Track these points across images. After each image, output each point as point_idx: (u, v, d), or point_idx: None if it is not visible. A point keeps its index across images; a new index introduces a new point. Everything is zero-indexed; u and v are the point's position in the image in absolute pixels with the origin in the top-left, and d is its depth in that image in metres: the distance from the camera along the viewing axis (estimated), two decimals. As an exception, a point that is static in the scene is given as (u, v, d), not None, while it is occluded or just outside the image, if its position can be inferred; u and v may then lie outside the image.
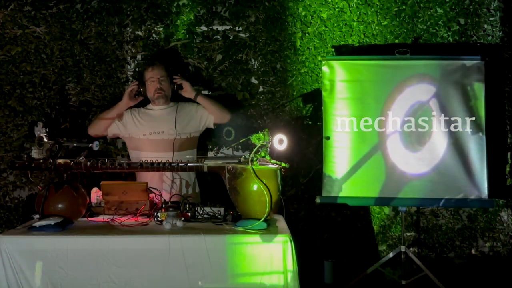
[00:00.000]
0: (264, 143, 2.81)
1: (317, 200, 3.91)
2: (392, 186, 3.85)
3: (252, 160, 2.77)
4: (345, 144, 3.91)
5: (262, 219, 2.69)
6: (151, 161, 2.90)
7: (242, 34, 4.28)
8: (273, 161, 2.85)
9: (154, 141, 3.54)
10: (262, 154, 2.81)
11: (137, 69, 4.23)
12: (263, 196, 2.71)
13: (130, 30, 4.24)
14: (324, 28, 4.26)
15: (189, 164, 2.90)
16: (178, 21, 4.25)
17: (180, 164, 2.88)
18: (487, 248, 4.28)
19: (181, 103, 3.69)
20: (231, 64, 4.27)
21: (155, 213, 2.89)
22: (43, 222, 2.63)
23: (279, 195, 2.82)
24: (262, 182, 2.71)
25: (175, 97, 3.70)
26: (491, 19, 4.27)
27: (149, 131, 3.57)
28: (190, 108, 3.69)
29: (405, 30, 4.26)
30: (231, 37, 4.28)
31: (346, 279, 4.02)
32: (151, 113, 3.67)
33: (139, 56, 4.25)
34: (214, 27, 4.27)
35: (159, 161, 2.90)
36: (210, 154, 4.21)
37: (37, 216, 2.76)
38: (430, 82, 3.88)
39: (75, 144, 3.14)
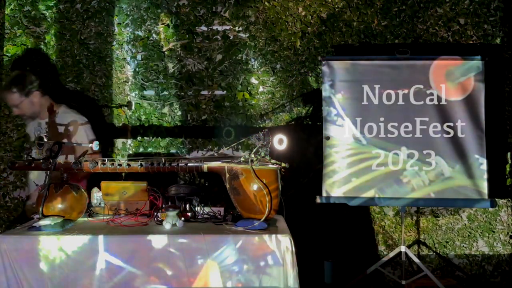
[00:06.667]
0: (264, 143, 2.80)
1: (317, 200, 3.91)
2: (392, 186, 3.86)
3: (252, 160, 2.76)
4: (345, 144, 3.91)
5: (262, 219, 2.68)
6: (151, 161, 2.89)
7: (242, 34, 4.28)
8: (273, 161, 2.84)
9: None
10: (262, 154, 2.81)
11: (136, 69, 4.23)
12: (263, 196, 2.71)
13: (130, 30, 4.24)
14: (324, 28, 4.26)
15: (189, 164, 2.89)
16: (178, 21, 4.25)
17: (180, 164, 2.88)
18: (487, 248, 4.28)
19: None
20: (231, 64, 4.27)
21: (155, 213, 2.89)
22: (43, 222, 2.63)
23: (279, 195, 2.81)
24: (262, 182, 2.71)
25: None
26: (491, 19, 4.27)
27: None
28: None
29: (405, 30, 4.26)
30: (231, 37, 4.28)
31: (346, 279, 4.02)
32: None
33: (139, 56, 4.25)
34: (214, 27, 4.27)
35: (159, 161, 2.90)
36: (210, 154, 4.20)
37: (37, 216, 2.75)
38: (430, 82, 3.88)
39: (75, 144, 3.14)
